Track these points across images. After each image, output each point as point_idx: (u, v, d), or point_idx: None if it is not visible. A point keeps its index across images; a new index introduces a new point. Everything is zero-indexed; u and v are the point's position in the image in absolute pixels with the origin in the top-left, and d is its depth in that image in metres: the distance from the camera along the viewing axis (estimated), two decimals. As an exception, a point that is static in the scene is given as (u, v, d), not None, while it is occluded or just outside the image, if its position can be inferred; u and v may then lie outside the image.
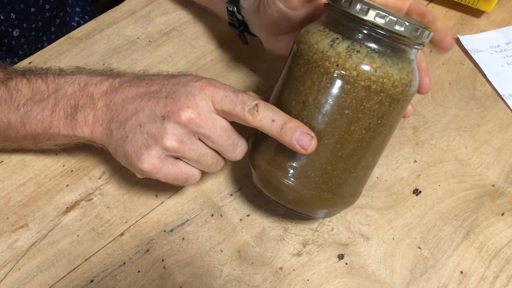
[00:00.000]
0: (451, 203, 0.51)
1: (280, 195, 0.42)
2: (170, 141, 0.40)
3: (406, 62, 0.38)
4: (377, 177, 0.52)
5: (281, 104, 0.41)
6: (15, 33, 0.67)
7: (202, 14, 0.65)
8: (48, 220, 0.48)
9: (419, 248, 0.48)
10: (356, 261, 0.47)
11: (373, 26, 0.37)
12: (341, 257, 0.47)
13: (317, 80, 0.38)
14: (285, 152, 0.40)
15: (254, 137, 0.45)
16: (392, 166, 0.53)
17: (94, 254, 0.46)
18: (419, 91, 0.43)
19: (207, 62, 0.61)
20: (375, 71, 0.37)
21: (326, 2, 0.41)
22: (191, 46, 0.63)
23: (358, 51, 0.37)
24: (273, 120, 0.39)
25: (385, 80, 0.37)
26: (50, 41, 0.71)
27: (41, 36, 0.71)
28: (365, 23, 0.37)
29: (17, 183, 0.50)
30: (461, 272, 0.46)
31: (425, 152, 0.54)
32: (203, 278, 0.45)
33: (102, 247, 0.47)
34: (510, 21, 0.67)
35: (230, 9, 0.53)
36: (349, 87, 0.37)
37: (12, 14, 0.65)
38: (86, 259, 0.46)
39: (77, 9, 0.77)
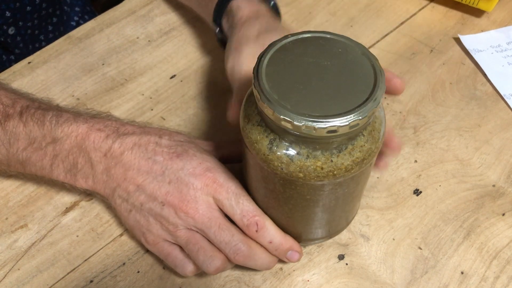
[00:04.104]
0: (452, 203, 0.50)
1: None
2: (164, 229, 0.41)
3: (359, 136, 0.34)
4: (378, 177, 0.52)
5: (251, 184, 0.41)
6: (11, 31, 0.67)
7: (202, 14, 0.65)
8: (47, 220, 0.48)
9: (420, 248, 0.48)
10: (357, 261, 0.47)
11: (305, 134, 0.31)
12: (341, 257, 0.47)
13: (269, 175, 0.36)
14: (271, 216, 0.41)
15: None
16: (392, 166, 0.53)
17: (93, 254, 0.46)
18: (387, 145, 0.43)
19: (207, 62, 0.61)
20: (322, 169, 0.33)
21: (252, 89, 0.34)
22: (191, 46, 0.63)
23: (298, 153, 0.33)
24: (270, 242, 0.41)
25: (335, 172, 0.33)
26: (48, 40, 0.71)
27: (38, 35, 0.71)
28: (300, 131, 0.31)
29: (16, 183, 0.50)
30: (462, 273, 0.46)
31: (426, 152, 0.54)
32: (203, 278, 0.45)
33: (102, 248, 0.47)
34: (511, 21, 0.67)
35: (214, 28, 0.54)
36: (301, 183, 0.35)
37: (7, 12, 0.64)
38: (85, 260, 0.46)
39: (77, 8, 0.77)
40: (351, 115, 0.30)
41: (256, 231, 0.40)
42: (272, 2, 0.54)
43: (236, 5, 0.51)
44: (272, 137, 0.33)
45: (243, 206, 0.40)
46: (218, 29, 0.54)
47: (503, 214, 0.50)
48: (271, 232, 0.41)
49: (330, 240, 0.47)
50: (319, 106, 0.31)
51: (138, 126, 0.45)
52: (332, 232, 0.45)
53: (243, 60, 0.46)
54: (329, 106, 0.31)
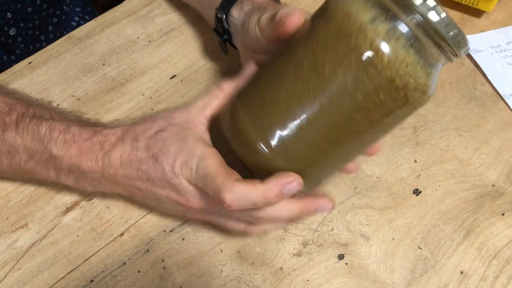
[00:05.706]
0: (451, 203, 0.51)
1: (248, 155, 0.39)
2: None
3: (433, 70, 0.36)
4: (377, 177, 0.52)
5: (292, 61, 0.37)
6: (12, 32, 0.67)
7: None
8: (48, 220, 0.48)
9: (420, 248, 0.48)
10: (356, 261, 0.47)
11: (423, 18, 0.34)
12: (341, 257, 0.47)
13: (342, 51, 0.34)
14: (276, 118, 0.37)
15: (244, 89, 0.41)
16: (392, 166, 0.53)
17: (94, 254, 0.46)
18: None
19: (207, 62, 0.61)
20: (406, 66, 0.33)
21: None
22: (191, 46, 0.63)
23: (397, 39, 0.33)
24: (254, 204, 0.38)
25: (410, 80, 0.34)
26: (48, 41, 0.71)
27: (38, 35, 0.71)
28: (415, 12, 0.33)
29: (17, 183, 0.50)
30: (461, 272, 0.46)
31: (425, 152, 0.54)
32: (203, 278, 0.45)
33: (102, 247, 0.47)
34: (510, 21, 0.67)
35: (219, 16, 0.53)
36: (373, 72, 0.34)
37: (8, 14, 0.64)
38: (86, 259, 0.46)
39: (77, 9, 0.77)
40: (461, 32, 0.35)
41: (229, 206, 0.38)
42: None
43: None
44: (378, 12, 0.34)
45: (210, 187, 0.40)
46: (224, 16, 0.53)
47: (503, 214, 0.50)
48: (246, 197, 0.38)
49: (330, 240, 0.48)
50: None
51: (117, 131, 0.44)
52: (308, 175, 0.39)
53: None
54: None
